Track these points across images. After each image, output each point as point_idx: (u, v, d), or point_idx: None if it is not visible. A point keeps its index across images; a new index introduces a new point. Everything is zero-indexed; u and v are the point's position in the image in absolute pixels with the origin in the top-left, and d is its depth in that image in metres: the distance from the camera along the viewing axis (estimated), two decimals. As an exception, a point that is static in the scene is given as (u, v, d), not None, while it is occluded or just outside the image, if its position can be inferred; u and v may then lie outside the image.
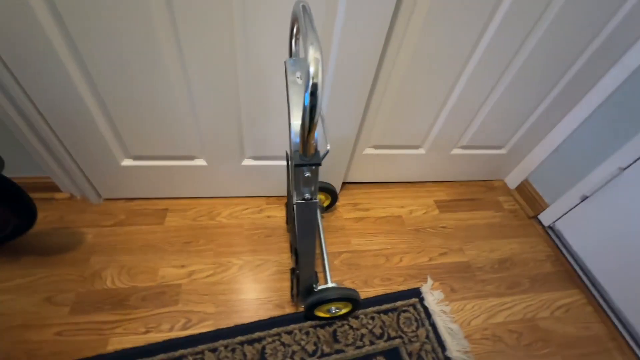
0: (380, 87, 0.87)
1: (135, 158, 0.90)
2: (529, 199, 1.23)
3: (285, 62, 0.50)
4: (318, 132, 0.38)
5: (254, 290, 0.88)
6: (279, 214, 1.08)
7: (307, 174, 0.42)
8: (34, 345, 0.73)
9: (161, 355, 0.73)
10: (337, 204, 1.14)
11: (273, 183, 1.06)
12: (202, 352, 0.75)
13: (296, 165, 0.41)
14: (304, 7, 0.37)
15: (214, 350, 0.75)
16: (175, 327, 0.79)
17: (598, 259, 0.98)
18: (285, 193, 1.12)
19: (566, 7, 0.75)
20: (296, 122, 0.42)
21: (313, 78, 0.32)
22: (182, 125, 0.81)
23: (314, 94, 0.33)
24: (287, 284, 0.90)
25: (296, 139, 0.42)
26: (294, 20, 0.47)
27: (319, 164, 0.41)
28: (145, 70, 0.68)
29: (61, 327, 0.76)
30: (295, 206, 0.47)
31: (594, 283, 1.00)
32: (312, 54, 0.32)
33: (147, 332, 0.77)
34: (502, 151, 1.21)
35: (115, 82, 0.70)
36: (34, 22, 0.58)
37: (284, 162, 0.99)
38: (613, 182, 0.94)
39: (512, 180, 1.31)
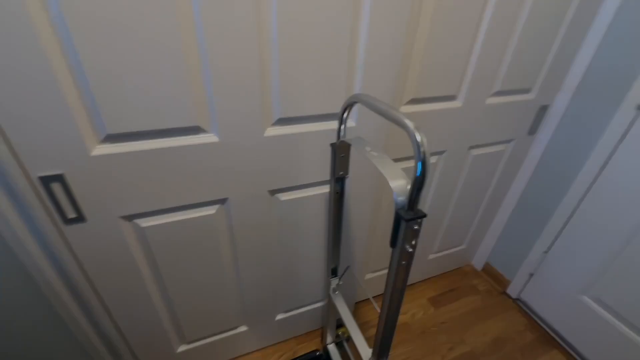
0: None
1: (190, 342, 1.06)
2: (495, 278, 1.57)
3: (347, 144, 0.66)
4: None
5: None
6: (310, 348, 1.25)
7: (416, 227, 0.49)
8: None
9: None
10: (355, 326, 1.35)
11: (301, 326, 1.26)
12: None
13: (408, 221, 0.48)
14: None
15: None
16: None
17: (560, 319, 1.29)
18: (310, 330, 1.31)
19: None
20: (396, 183, 0.49)
21: (422, 146, 0.43)
22: (230, 305, 1.03)
23: (425, 161, 0.44)
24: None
25: (398, 198, 0.48)
26: (347, 106, 0.64)
27: (425, 215, 0.49)
28: (207, 276, 0.92)
29: None
30: (398, 256, 0.53)
31: (565, 341, 1.29)
32: (413, 130, 0.44)
33: None
34: (463, 246, 1.57)
35: (181, 284, 0.92)
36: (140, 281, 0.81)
37: (311, 307, 1.21)
38: (543, 263, 1.31)
39: (478, 263, 1.66)
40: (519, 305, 1.47)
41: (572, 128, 1.15)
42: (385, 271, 1.39)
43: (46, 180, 0.61)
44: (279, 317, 1.18)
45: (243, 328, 1.13)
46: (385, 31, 0.72)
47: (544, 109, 1.18)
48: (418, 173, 0.46)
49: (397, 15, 0.72)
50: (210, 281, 0.93)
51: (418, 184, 0.46)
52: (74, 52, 0.53)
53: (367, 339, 1.02)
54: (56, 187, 0.62)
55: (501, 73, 1.01)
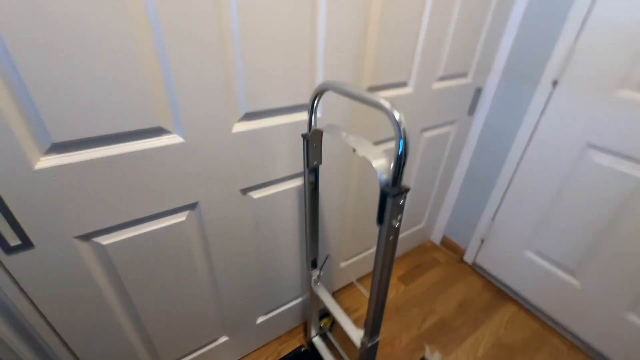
0: (342, 226, 1.22)
1: (167, 365, 0.98)
2: (452, 248, 1.72)
3: (320, 131, 0.68)
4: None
5: None
6: (294, 345, 1.24)
7: (401, 202, 0.52)
8: None
9: None
10: (334, 315, 1.37)
11: (282, 325, 1.24)
12: None
13: (394, 196, 0.50)
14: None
15: None
16: None
17: (510, 275, 1.46)
18: (295, 326, 1.30)
19: None
20: (379, 163, 0.51)
21: (401, 124, 0.46)
22: (208, 316, 0.97)
23: (405, 138, 0.47)
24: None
25: (382, 176, 0.51)
26: (317, 94, 0.64)
27: (409, 189, 0.52)
28: (181, 289, 0.86)
29: None
30: (385, 232, 0.55)
31: (515, 293, 1.47)
32: (390, 109, 0.47)
33: None
34: (422, 224, 1.69)
35: (153, 304, 0.84)
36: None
37: (291, 304, 1.20)
38: (491, 228, 1.48)
39: (436, 238, 1.80)
40: (475, 270, 1.63)
41: (503, 107, 1.30)
42: (358, 257, 1.44)
43: (-22, 205, 0.51)
44: (260, 320, 1.14)
45: (224, 338, 1.08)
46: (342, 23, 0.75)
47: (479, 91, 1.32)
48: (400, 150, 0.49)
49: (352, 9, 0.74)
50: (185, 294, 0.87)
51: (401, 161, 0.49)
52: (3, 48, 0.46)
53: (354, 322, 1.04)
54: (-8, 212, 0.53)
55: (442, 60, 1.10)
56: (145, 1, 0.52)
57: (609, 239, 1.10)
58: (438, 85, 1.16)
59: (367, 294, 0.90)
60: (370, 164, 1.15)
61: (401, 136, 0.48)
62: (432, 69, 1.09)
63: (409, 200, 1.45)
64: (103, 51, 0.51)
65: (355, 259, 1.43)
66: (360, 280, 1.56)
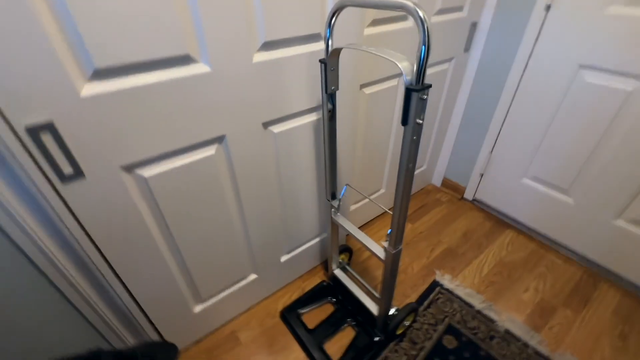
0: (352, 167, 1.28)
1: (205, 301, 1.06)
2: (453, 188, 1.81)
3: (338, 50, 0.71)
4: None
5: (343, 346, 1.12)
6: (316, 282, 1.34)
7: (424, 97, 0.56)
8: None
9: None
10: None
11: (303, 264, 1.33)
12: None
13: (417, 91, 0.55)
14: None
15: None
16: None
17: (509, 204, 1.57)
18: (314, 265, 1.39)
19: None
20: (403, 64, 0.56)
21: (425, 22, 0.50)
22: (239, 253, 1.04)
23: (428, 39, 0.51)
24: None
25: (406, 77, 0.56)
26: (336, 11, 0.66)
27: (430, 85, 0.57)
28: (215, 224, 0.93)
29: None
30: (410, 131, 0.61)
31: (514, 220, 1.58)
32: (413, 6, 0.50)
33: None
34: (424, 167, 1.77)
35: (190, 236, 0.91)
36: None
37: (310, 243, 1.29)
38: (490, 162, 1.56)
39: (437, 181, 1.89)
40: (475, 205, 1.73)
41: (498, 40, 1.34)
42: (364, 202, 1.52)
43: (34, 131, 0.54)
44: (284, 258, 1.23)
45: (253, 276, 1.16)
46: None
47: (474, 26, 1.35)
48: (423, 50, 0.53)
49: None
50: (218, 229, 0.93)
51: (423, 58, 0.54)
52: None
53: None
54: (47, 139, 0.56)
55: (440, -8, 1.12)
56: None
57: (599, 154, 1.19)
58: (436, 18, 1.18)
59: (385, 209, 0.98)
60: (381, 95, 1.19)
61: (425, 33, 0.52)
62: (431, 1, 1.11)
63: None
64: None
65: (362, 202, 1.51)
66: (365, 226, 1.65)
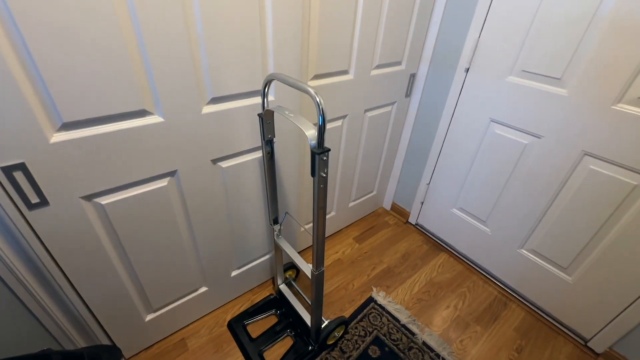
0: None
1: (156, 310, 1.19)
2: (400, 212, 2.02)
3: (271, 111, 0.91)
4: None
5: None
6: (265, 295, 1.48)
7: (325, 158, 0.74)
8: None
9: None
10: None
11: (254, 278, 1.48)
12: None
13: (319, 154, 0.72)
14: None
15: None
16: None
17: (442, 230, 1.78)
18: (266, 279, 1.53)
19: None
20: (310, 132, 0.73)
21: (320, 104, 0.68)
22: (189, 268, 1.18)
23: (323, 115, 0.69)
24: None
25: (312, 141, 0.73)
26: (267, 83, 0.85)
27: (329, 150, 0.75)
28: (166, 244, 1.06)
29: None
30: (317, 181, 0.78)
31: (446, 244, 1.79)
32: (314, 94, 0.70)
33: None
34: (374, 192, 1.96)
35: (143, 255, 1.04)
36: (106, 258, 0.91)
37: (260, 260, 1.43)
38: (428, 192, 1.78)
39: (387, 204, 2.09)
40: (418, 228, 1.94)
41: (432, 90, 1.57)
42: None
43: (8, 170, 0.68)
44: (234, 273, 1.37)
45: (203, 289, 1.29)
46: (286, 22, 0.94)
47: (413, 77, 1.58)
48: (320, 122, 0.71)
49: (293, 12, 0.94)
50: (169, 248, 1.07)
51: (322, 129, 0.72)
52: (28, 53, 0.62)
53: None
54: (19, 176, 0.70)
55: (378, 50, 1.33)
56: (130, 14, 0.70)
57: (506, 192, 1.42)
58: (376, 72, 1.39)
59: (310, 233, 1.15)
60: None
61: (320, 112, 0.70)
62: (369, 59, 1.32)
63: (359, 171, 1.71)
64: (101, 48, 0.69)
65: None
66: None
